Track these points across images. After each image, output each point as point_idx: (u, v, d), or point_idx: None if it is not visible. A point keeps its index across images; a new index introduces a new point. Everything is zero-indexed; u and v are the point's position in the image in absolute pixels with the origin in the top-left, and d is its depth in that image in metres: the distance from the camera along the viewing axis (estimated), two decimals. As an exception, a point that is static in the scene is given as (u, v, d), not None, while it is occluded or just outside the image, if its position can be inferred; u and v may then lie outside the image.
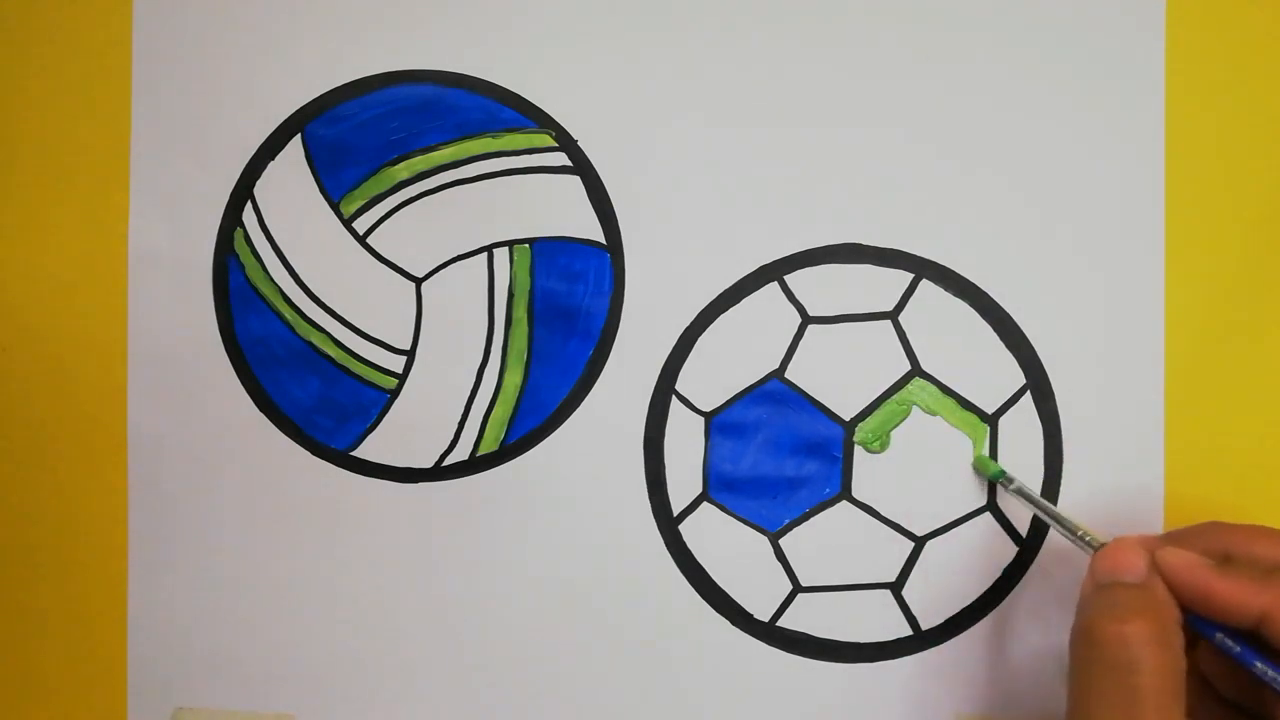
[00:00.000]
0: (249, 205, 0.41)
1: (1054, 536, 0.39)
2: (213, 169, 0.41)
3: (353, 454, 0.41)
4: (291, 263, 0.41)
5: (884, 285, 0.40)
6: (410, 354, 0.40)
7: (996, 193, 0.40)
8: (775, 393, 0.40)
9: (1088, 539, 0.34)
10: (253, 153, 0.40)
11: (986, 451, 0.39)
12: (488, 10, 0.40)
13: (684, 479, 0.40)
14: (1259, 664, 0.31)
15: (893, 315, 0.40)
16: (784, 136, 0.40)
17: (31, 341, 0.41)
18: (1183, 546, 0.33)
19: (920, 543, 0.40)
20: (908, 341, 0.40)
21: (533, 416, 0.40)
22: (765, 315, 0.40)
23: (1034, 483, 0.39)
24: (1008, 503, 0.39)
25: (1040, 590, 0.39)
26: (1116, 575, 0.32)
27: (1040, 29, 0.39)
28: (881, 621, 0.40)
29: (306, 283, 0.41)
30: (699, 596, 0.40)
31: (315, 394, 0.41)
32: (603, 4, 0.40)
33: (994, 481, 0.39)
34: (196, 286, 0.41)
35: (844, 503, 0.40)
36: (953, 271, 0.40)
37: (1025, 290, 0.39)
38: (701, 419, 0.40)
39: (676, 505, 0.40)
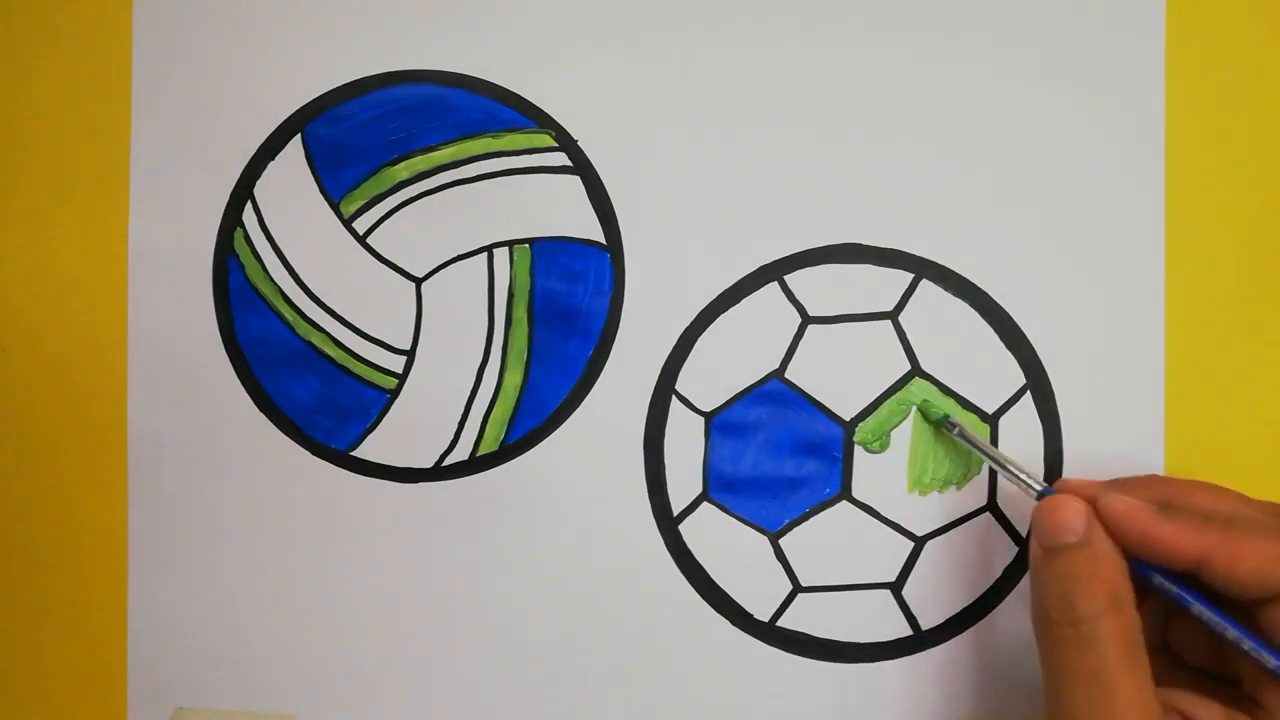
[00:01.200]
0: (249, 205, 0.41)
1: (1054, 536, 0.39)
2: (213, 169, 0.41)
3: (353, 454, 0.41)
4: (291, 263, 0.41)
5: (884, 285, 0.40)
6: (410, 354, 0.40)
7: (996, 193, 0.40)
8: (775, 393, 0.40)
9: (1030, 483, 0.35)
10: (253, 153, 0.40)
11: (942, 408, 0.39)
12: (488, 10, 0.40)
13: (684, 479, 0.40)
14: (1196, 605, 0.32)
15: (893, 315, 0.40)
16: (784, 137, 0.40)
17: (31, 341, 0.41)
18: (1124, 492, 0.33)
19: (920, 543, 0.40)
20: (908, 341, 0.40)
21: (533, 416, 0.40)
22: (765, 315, 0.40)
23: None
24: (1008, 503, 0.39)
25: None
26: (1059, 536, 0.32)
27: (1040, 29, 0.39)
28: (881, 621, 0.40)
29: (306, 283, 0.41)
30: (699, 596, 0.40)
31: (315, 394, 0.41)
32: (603, 4, 0.40)
33: (939, 424, 0.39)
34: (196, 286, 0.41)
35: (844, 503, 0.40)
36: (953, 271, 0.40)
37: (1025, 290, 0.40)
38: (701, 419, 0.40)
39: (676, 505, 0.40)
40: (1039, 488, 0.35)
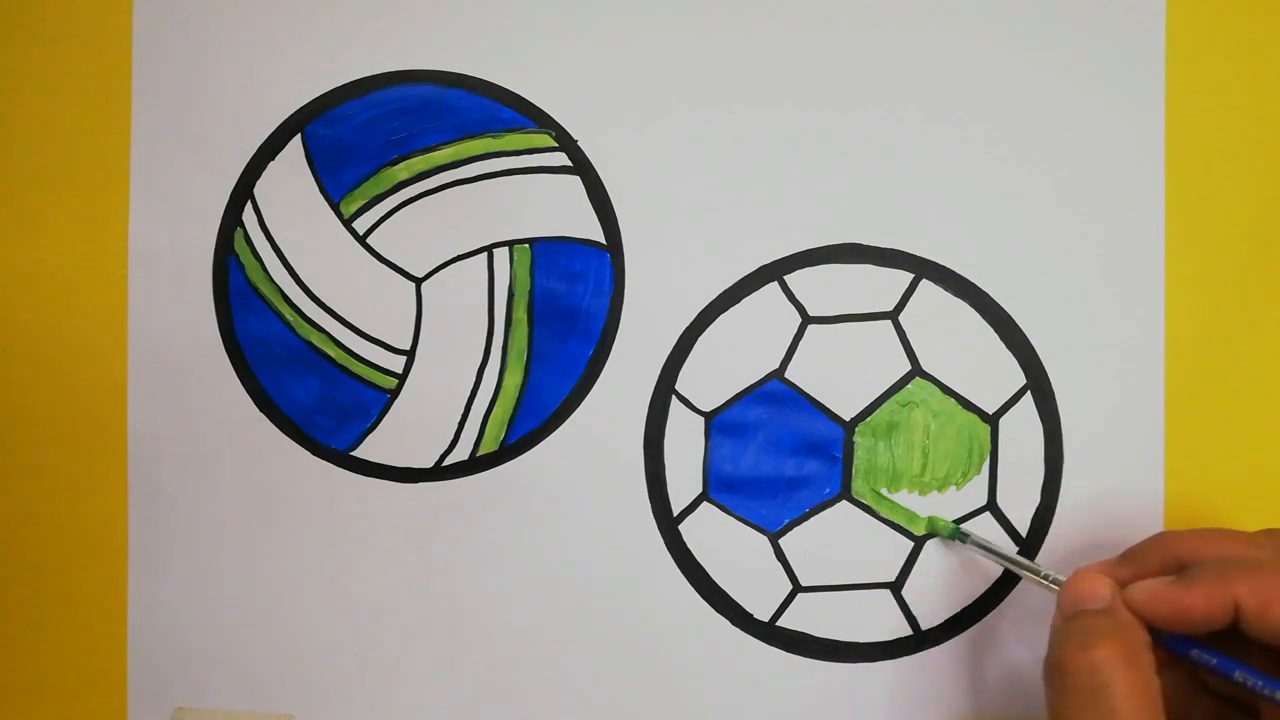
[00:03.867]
0: (249, 205, 0.41)
1: (1054, 536, 0.39)
2: (213, 169, 0.41)
3: (353, 454, 0.41)
4: (291, 263, 0.41)
5: (884, 285, 0.40)
6: (410, 354, 0.40)
7: (996, 193, 0.40)
8: (775, 393, 0.40)
9: (1050, 578, 0.35)
10: (253, 153, 0.40)
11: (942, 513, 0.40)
12: (488, 10, 0.40)
13: (684, 479, 0.40)
14: (1238, 672, 0.31)
15: (893, 315, 0.40)
16: (784, 137, 0.40)
17: (31, 341, 0.41)
18: (1138, 564, 0.33)
19: (920, 543, 0.40)
20: (908, 341, 0.40)
21: (533, 416, 0.40)
22: (765, 315, 0.40)
23: (1034, 482, 0.39)
24: (1008, 503, 0.39)
25: (1040, 590, 0.39)
26: (1081, 604, 0.32)
27: (1040, 30, 0.39)
28: (881, 621, 0.40)
29: (306, 283, 0.41)
30: (699, 596, 0.40)
31: (315, 394, 0.41)
32: (603, 4, 0.40)
33: (951, 539, 0.39)
34: (196, 286, 0.41)
35: (844, 503, 0.40)
36: (953, 271, 0.40)
37: (1025, 290, 0.39)
38: (701, 419, 0.40)
39: (676, 505, 0.40)
40: (1061, 578, 0.35)
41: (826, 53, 0.40)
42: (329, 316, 0.40)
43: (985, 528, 0.39)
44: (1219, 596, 0.30)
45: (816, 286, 0.40)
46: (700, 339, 0.40)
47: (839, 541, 0.40)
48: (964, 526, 0.39)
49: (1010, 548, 0.39)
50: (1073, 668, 0.30)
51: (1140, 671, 0.30)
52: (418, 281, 0.40)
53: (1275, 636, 0.30)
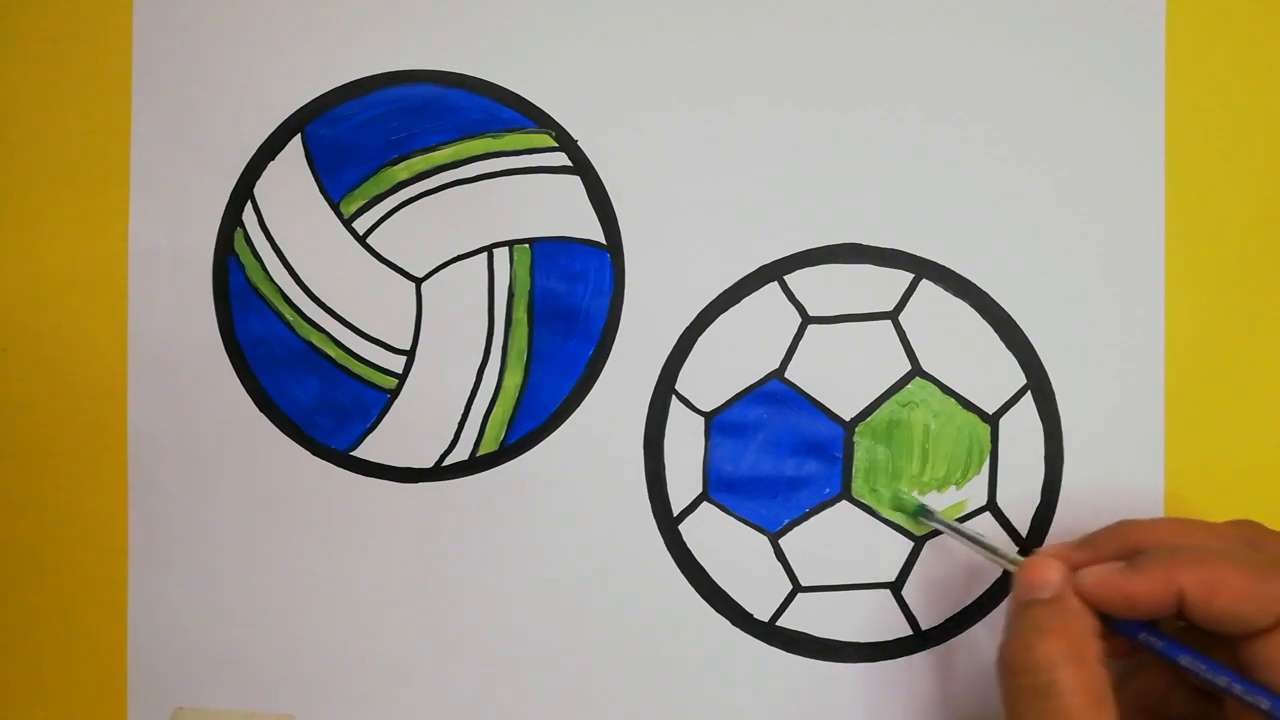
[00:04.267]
0: (249, 205, 0.41)
1: (1054, 536, 0.39)
2: (213, 169, 0.41)
3: (353, 454, 0.41)
4: (291, 263, 0.41)
5: (884, 285, 0.40)
6: (410, 354, 0.40)
7: (996, 193, 0.40)
8: (775, 393, 0.40)
9: (1008, 557, 0.35)
10: (253, 153, 0.40)
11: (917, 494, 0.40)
12: (488, 10, 0.40)
13: (684, 479, 0.40)
14: (1183, 656, 0.31)
15: (893, 315, 0.40)
16: (784, 137, 0.40)
17: (31, 341, 0.41)
18: (1094, 549, 0.33)
19: (920, 543, 0.40)
20: (908, 341, 0.40)
21: (533, 416, 0.40)
22: (765, 315, 0.40)
23: (1034, 482, 0.39)
24: (1008, 502, 0.39)
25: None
26: (1031, 592, 0.32)
27: (1040, 30, 0.39)
28: (881, 621, 0.40)
29: (306, 283, 0.41)
30: (699, 596, 0.40)
31: (315, 394, 0.41)
32: (604, 4, 0.40)
33: (916, 516, 0.39)
34: (196, 286, 0.41)
35: (844, 503, 0.40)
36: (953, 271, 0.40)
37: (1025, 290, 0.39)
38: (701, 419, 0.40)
39: (676, 505, 0.40)
40: (1019, 559, 0.35)
41: (826, 53, 0.40)
42: (329, 316, 0.40)
43: (985, 528, 0.39)
44: (1164, 582, 0.30)
45: (816, 286, 0.40)
46: (700, 339, 0.40)
47: (839, 541, 0.40)
48: (928, 505, 0.39)
49: (965, 527, 0.38)
50: (1018, 666, 0.31)
51: (1087, 666, 0.30)
52: (418, 281, 0.40)
53: (1219, 624, 0.30)
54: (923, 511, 0.39)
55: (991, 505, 0.40)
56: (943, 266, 0.40)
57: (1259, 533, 0.33)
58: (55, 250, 0.41)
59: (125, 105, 0.41)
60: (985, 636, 0.40)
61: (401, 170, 0.40)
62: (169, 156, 0.41)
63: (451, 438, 0.40)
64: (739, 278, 0.40)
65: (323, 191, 0.40)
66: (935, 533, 0.40)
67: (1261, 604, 0.29)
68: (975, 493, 0.40)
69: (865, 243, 0.40)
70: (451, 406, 0.40)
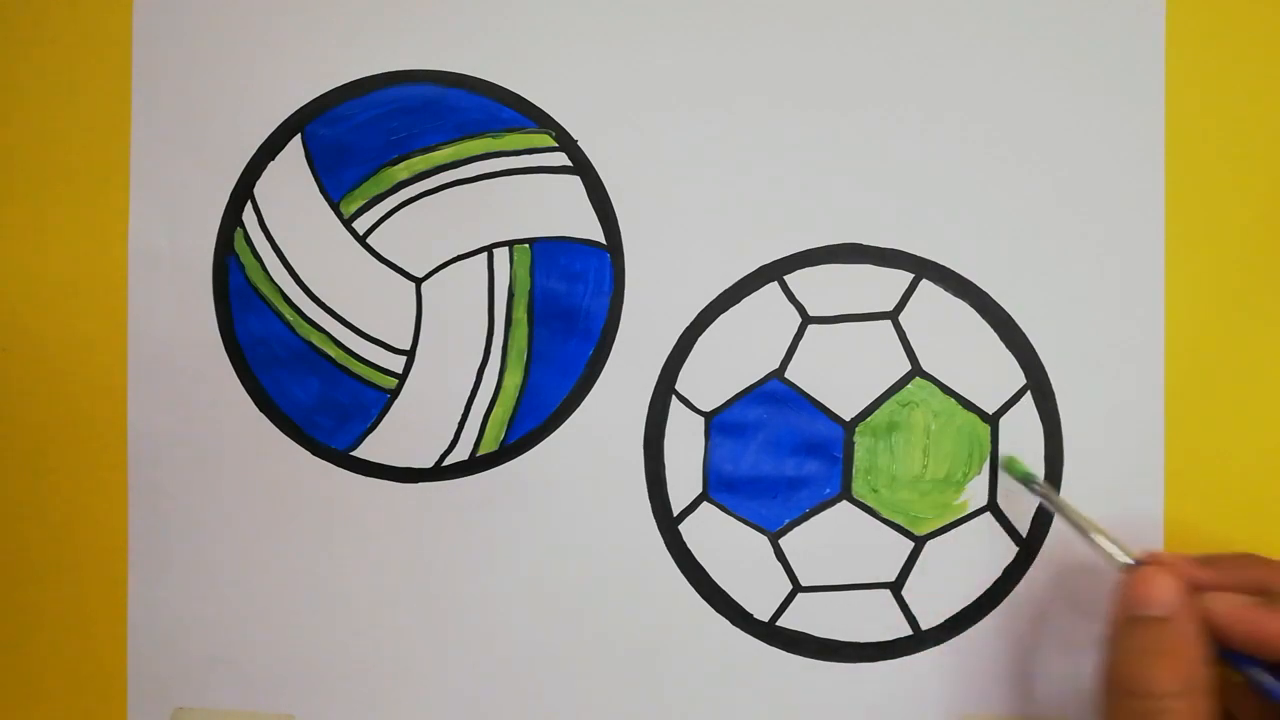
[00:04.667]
0: (249, 205, 0.41)
1: (1055, 536, 0.39)
2: (213, 169, 0.41)
3: (353, 454, 0.41)
4: (291, 263, 0.41)
5: (884, 285, 0.40)
6: (410, 354, 0.40)
7: (997, 193, 0.40)
8: (775, 393, 0.40)
9: (1121, 554, 0.34)
10: (253, 153, 0.40)
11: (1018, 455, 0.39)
12: (488, 10, 0.40)
13: (684, 479, 0.40)
14: None
15: (893, 315, 0.40)
16: (784, 137, 0.40)
17: (31, 341, 0.41)
18: (1219, 571, 0.32)
19: (920, 543, 0.40)
20: (908, 341, 0.40)
21: (533, 416, 0.40)
22: (765, 315, 0.40)
23: (1034, 483, 0.39)
24: (1008, 503, 0.39)
25: (1041, 590, 0.39)
26: (1145, 608, 0.31)
27: (1040, 30, 0.39)
28: (881, 621, 0.40)
29: (306, 283, 0.41)
30: (699, 596, 0.40)
31: (315, 394, 0.41)
32: (603, 4, 0.40)
33: (1022, 483, 0.38)
34: (196, 286, 0.41)
35: (844, 503, 0.40)
36: (953, 271, 0.40)
37: (1025, 290, 0.39)
38: (701, 419, 0.40)
39: (676, 505, 0.40)
40: (1130, 560, 0.33)
41: (826, 53, 0.40)
42: (329, 316, 0.40)
43: (985, 527, 0.39)
44: None
45: (816, 286, 0.40)
46: (700, 339, 0.40)
47: (839, 541, 0.40)
48: (1040, 477, 0.38)
49: (1079, 513, 0.37)
50: (1128, 687, 0.30)
51: (1200, 697, 0.29)
52: (418, 281, 0.40)
53: None
54: (1029, 479, 0.38)
55: (991, 505, 0.40)
56: (943, 266, 0.40)
57: None
58: (55, 250, 0.41)
59: (125, 105, 0.41)
60: (985, 636, 0.40)
61: (401, 170, 0.40)
62: (169, 156, 0.41)
63: (451, 438, 0.40)
64: (739, 278, 0.40)
65: (323, 191, 0.40)
66: (935, 533, 0.40)
67: None
68: (975, 493, 0.40)
69: (865, 243, 0.40)
70: (451, 406, 0.40)
